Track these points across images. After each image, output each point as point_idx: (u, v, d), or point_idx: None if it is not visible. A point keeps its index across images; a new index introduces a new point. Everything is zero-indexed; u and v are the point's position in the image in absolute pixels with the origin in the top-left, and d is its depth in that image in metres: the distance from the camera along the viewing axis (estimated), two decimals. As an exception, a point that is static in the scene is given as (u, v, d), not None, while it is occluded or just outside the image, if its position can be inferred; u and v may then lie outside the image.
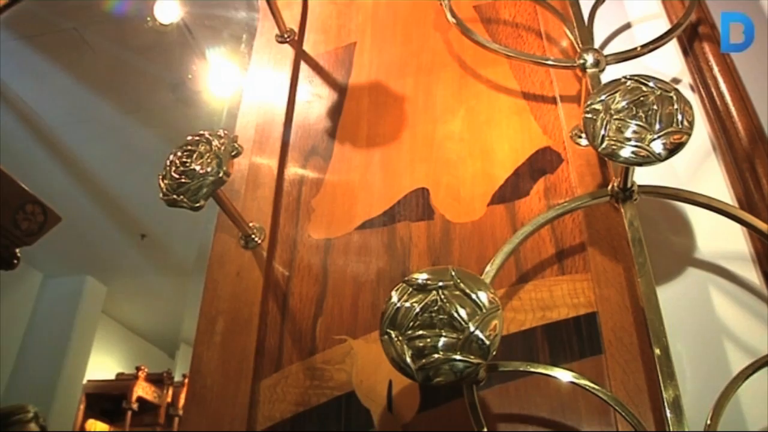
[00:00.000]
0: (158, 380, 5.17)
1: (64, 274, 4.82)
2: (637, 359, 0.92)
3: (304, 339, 1.05)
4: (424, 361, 0.65)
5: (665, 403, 0.77)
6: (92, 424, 5.03)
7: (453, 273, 0.69)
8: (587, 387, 0.78)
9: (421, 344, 0.65)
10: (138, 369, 5.02)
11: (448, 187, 1.13)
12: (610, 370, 0.91)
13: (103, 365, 5.17)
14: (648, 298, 0.87)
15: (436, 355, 0.64)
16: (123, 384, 5.00)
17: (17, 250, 2.30)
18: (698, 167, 1.16)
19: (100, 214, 4.04)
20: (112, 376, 5.17)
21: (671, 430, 0.75)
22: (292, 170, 1.23)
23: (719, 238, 1.08)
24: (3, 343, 4.56)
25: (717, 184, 1.13)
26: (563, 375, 0.78)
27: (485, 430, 0.76)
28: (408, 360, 0.66)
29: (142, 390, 4.98)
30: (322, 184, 1.19)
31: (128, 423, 4.87)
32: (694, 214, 1.10)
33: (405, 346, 0.66)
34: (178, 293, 5.11)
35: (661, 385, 0.79)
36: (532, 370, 0.80)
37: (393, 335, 0.67)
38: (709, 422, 0.77)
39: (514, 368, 0.81)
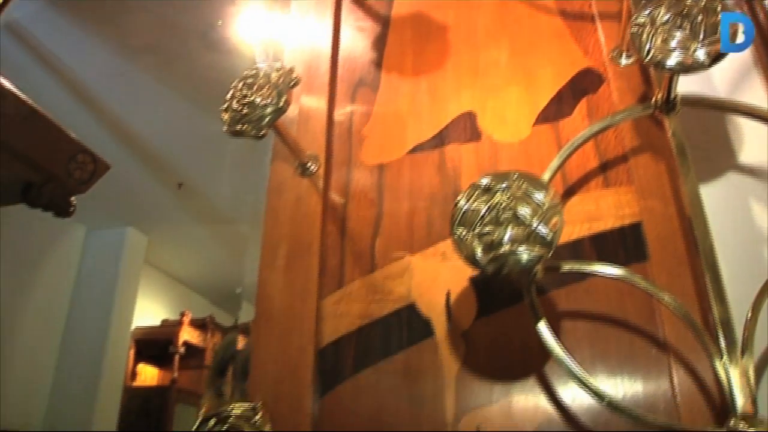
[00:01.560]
0: (202, 325, 5.36)
1: (107, 227, 4.97)
2: (682, 264, 0.97)
3: (364, 258, 1.12)
4: (492, 254, 0.71)
5: (712, 303, 0.83)
6: (143, 368, 5.26)
7: (516, 176, 0.74)
8: (639, 284, 0.84)
9: (489, 239, 0.71)
10: (182, 315, 5.21)
11: (494, 110, 1.18)
12: (656, 276, 0.96)
13: (148, 313, 5.37)
14: (694, 206, 0.92)
15: (503, 248, 0.70)
16: (169, 330, 5.20)
17: (72, 199, 2.40)
18: (739, 82, 1.19)
19: (138, 166, 4.13)
20: (158, 323, 5.38)
21: (717, 326, 0.80)
22: (342, 102, 1.28)
23: (760, 149, 1.12)
24: (54, 298, 4.75)
25: (758, 100, 1.15)
26: (616, 271, 0.84)
27: (543, 324, 0.82)
28: (479, 254, 0.72)
29: (188, 334, 5.18)
30: (371, 113, 1.25)
31: (176, 366, 5.07)
32: (735, 127, 1.13)
33: (475, 242, 0.72)
34: (216, 241, 5.24)
35: (709, 286, 0.85)
36: (589, 268, 0.86)
37: (463, 233, 0.73)
38: (749, 316, 0.83)
39: (571, 267, 0.86)
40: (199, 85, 3.37)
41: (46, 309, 4.69)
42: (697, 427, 0.81)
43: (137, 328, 5.09)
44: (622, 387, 0.89)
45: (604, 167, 1.09)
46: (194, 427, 0.85)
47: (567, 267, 0.86)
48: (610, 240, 1.03)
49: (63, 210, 2.38)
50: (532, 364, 0.96)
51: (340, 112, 1.27)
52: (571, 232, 1.03)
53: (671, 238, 1.00)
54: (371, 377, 1.02)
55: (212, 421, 0.84)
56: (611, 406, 0.80)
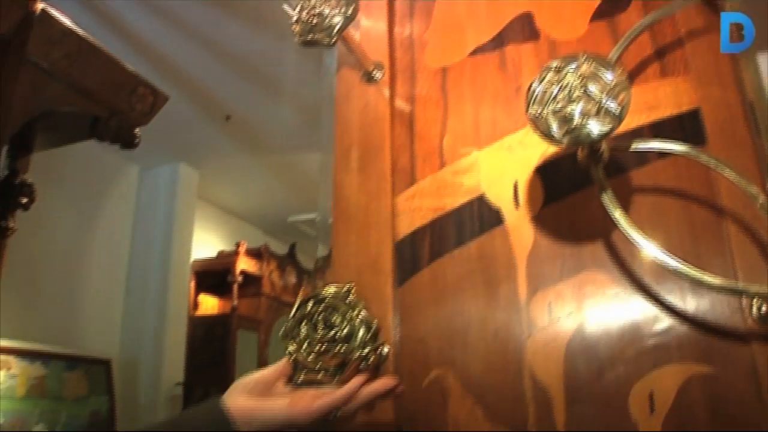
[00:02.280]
0: (257, 254, 5.54)
1: (159, 164, 5.11)
2: (742, 147, 1.02)
3: (433, 156, 1.19)
4: (566, 128, 0.77)
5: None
6: (204, 298, 5.51)
7: (584, 56, 0.79)
8: (701, 158, 0.89)
9: (562, 115, 0.78)
10: (237, 245, 5.39)
11: (550, 9, 1.21)
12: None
13: (205, 245, 5.57)
14: (755, 91, 0.96)
15: (575, 122, 0.76)
16: (226, 260, 5.39)
17: (137, 130, 2.51)
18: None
19: (184, 101, 4.20)
20: (214, 255, 5.58)
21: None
22: (402, 9, 1.32)
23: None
24: (117, 235, 4.96)
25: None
26: (680, 147, 0.89)
27: (608, 194, 0.89)
28: (554, 129, 0.78)
29: (244, 264, 5.37)
30: (431, 19, 1.29)
31: (235, 294, 5.29)
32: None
33: (550, 118, 0.78)
34: (266, 171, 5.36)
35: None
36: (652, 145, 0.92)
37: (538, 111, 0.79)
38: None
39: (636, 147, 0.92)
40: (245, 11, 3.40)
41: (110, 246, 4.91)
42: (753, 288, 0.87)
43: (196, 261, 5.30)
44: (682, 253, 0.95)
45: (661, 57, 1.12)
46: (293, 310, 0.94)
47: (633, 147, 0.92)
48: (668, 126, 1.07)
49: (129, 142, 2.50)
50: (597, 241, 1.03)
51: (401, 20, 1.32)
52: (630, 122, 1.07)
53: (731, 123, 1.04)
54: (447, 264, 1.11)
55: (310, 303, 0.93)
56: (676, 270, 0.86)
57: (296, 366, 0.90)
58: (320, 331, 0.89)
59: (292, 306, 0.94)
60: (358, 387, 0.89)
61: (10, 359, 4.02)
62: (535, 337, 1.03)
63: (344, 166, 1.23)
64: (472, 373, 1.04)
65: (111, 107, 2.42)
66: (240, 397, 0.89)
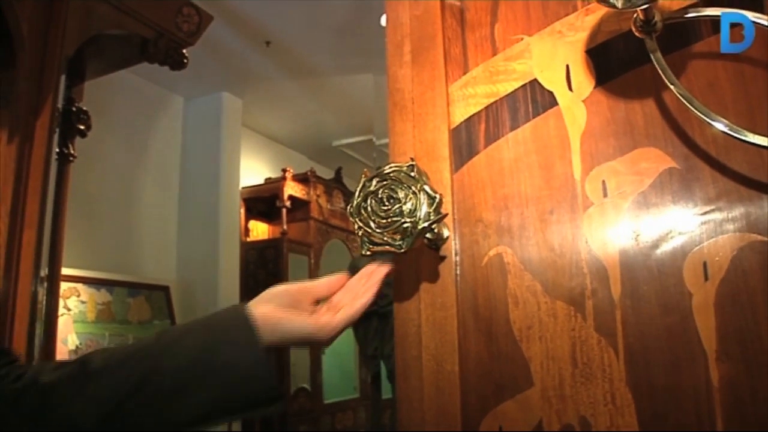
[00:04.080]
0: (304, 179, 5.65)
1: (202, 94, 5.19)
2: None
3: (484, 44, 1.20)
4: (624, -12, 0.78)
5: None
6: (254, 224, 5.67)
7: None
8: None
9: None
10: (284, 171, 5.50)
11: None
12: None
13: (252, 173, 5.70)
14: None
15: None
16: (273, 186, 5.52)
17: (185, 51, 2.56)
18: None
19: (224, 29, 4.22)
20: (262, 181, 5.71)
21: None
22: None
23: None
24: (166, 165, 5.10)
25: None
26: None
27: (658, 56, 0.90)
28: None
29: (291, 189, 5.49)
30: None
31: (284, 219, 5.43)
32: None
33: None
34: (308, 96, 5.39)
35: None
36: (709, 12, 0.92)
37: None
38: None
39: (689, 15, 0.92)
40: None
41: (160, 176, 5.06)
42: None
43: (244, 188, 5.43)
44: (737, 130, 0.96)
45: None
46: (359, 187, 0.99)
47: (687, 15, 0.92)
48: None
49: (178, 62, 2.56)
50: (650, 118, 1.05)
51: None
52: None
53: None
54: (502, 147, 1.14)
55: (374, 180, 0.98)
56: (737, 138, 0.88)
57: (363, 241, 0.96)
58: (385, 205, 0.94)
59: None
60: (372, 297, 0.93)
61: (79, 286, 4.24)
62: (591, 213, 1.06)
63: (397, 59, 1.25)
64: (529, 250, 1.09)
65: (158, 28, 2.48)
66: (267, 306, 0.90)
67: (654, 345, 1.01)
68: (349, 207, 0.97)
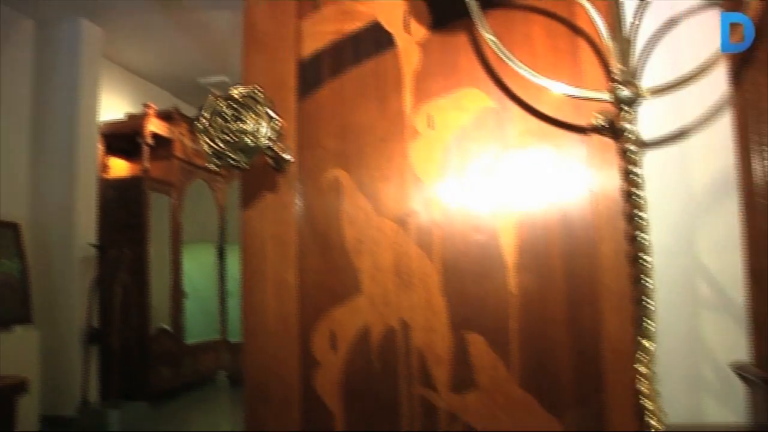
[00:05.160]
0: (168, 116, 5.49)
1: (57, 19, 4.86)
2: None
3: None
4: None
5: None
6: (114, 161, 5.46)
7: None
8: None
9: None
10: (146, 107, 5.31)
11: None
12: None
13: (112, 107, 5.45)
14: None
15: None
16: (135, 122, 5.32)
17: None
18: None
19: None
20: (122, 116, 5.48)
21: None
22: None
23: None
24: (14, 97, 4.76)
25: None
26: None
27: (482, 21, 1.04)
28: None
29: (154, 126, 5.32)
30: None
31: (146, 157, 5.27)
32: None
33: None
34: (175, 31, 5.19)
35: None
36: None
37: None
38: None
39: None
40: None
41: (8, 106, 4.73)
42: (592, 94, 1.06)
43: (103, 123, 5.20)
44: (546, 73, 1.13)
45: None
46: (206, 108, 1.06)
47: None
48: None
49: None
50: (474, 61, 1.20)
51: None
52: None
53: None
54: (345, 81, 1.25)
55: (221, 100, 1.05)
56: (540, 84, 1.04)
57: (210, 157, 1.04)
58: (230, 125, 1.03)
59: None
60: None
61: None
62: (418, 143, 1.20)
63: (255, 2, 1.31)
64: (363, 174, 1.22)
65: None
66: None
67: (465, 259, 1.18)
68: (195, 124, 1.04)
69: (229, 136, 1.02)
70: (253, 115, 1.03)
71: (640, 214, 0.96)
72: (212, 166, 1.04)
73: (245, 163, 1.03)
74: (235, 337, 6.27)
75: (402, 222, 1.19)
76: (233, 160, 1.02)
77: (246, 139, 1.02)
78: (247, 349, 1.23)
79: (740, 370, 1.22)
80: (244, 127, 1.02)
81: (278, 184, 1.22)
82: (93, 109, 5.06)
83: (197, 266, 6.35)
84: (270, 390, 1.20)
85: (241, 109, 1.04)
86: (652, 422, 0.96)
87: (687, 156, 1.31)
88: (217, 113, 1.04)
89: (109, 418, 4.51)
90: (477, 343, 1.14)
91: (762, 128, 1.26)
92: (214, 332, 6.45)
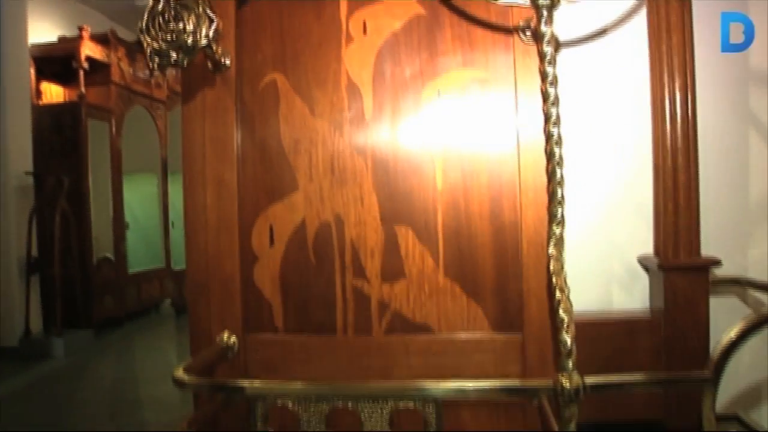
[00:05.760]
0: (104, 40, 5.29)
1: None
2: None
3: None
4: None
5: None
6: (47, 86, 5.28)
7: None
8: None
9: None
10: (80, 30, 5.10)
11: None
12: None
13: (42, 31, 5.21)
14: None
15: None
16: (68, 46, 5.11)
17: None
18: None
19: None
20: (54, 40, 5.26)
21: None
22: None
23: None
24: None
25: None
26: None
27: None
28: None
29: (90, 50, 5.13)
30: None
31: (81, 82, 5.10)
32: None
33: None
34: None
35: None
36: None
37: None
38: None
39: None
40: None
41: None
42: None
43: (34, 46, 4.99)
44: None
45: None
46: (147, 9, 1.08)
47: None
48: None
49: None
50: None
51: None
52: None
53: None
54: None
55: (161, 3, 1.07)
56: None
57: (151, 56, 1.07)
58: (170, 24, 1.05)
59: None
60: None
61: None
62: (352, 47, 1.25)
63: None
64: (300, 77, 1.26)
65: None
66: None
67: (396, 156, 1.25)
68: (138, 24, 1.07)
69: (169, 35, 1.05)
70: (193, 16, 1.06)
71: (553, 110, 1.04)
72: (153, 65, 1.07)
73: (184, 62, 1.06)
74: (179, 265, 6.27)
75: (336, 122, 1.25)
76: (172, 58, 1.06)
77: (185, 38, 1.05)
78: (189, 247, 1.29)
79: (643, 261, 1.34)
80: (184, 26, 1.05)
81: (218, 89, 1.25)
82: (20, 30, 4.84)
83: (138, 197, 6.28)
84: (211, 284, 1.27)
85: (181, 10, 1.07)
86: (562, 303, 1.06)
87: (603, 60, 1.38)
88: (157, 13, 1.07)
89: (52, 347, 4.51)
90: (406, 236, 1.23)
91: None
92: (157, 262, 6.43)
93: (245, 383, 1.15)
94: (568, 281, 1.01)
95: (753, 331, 1.03)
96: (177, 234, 6.36)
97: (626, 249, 1.39)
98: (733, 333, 1.02)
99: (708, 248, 1.30)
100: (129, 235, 5.96)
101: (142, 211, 6.42)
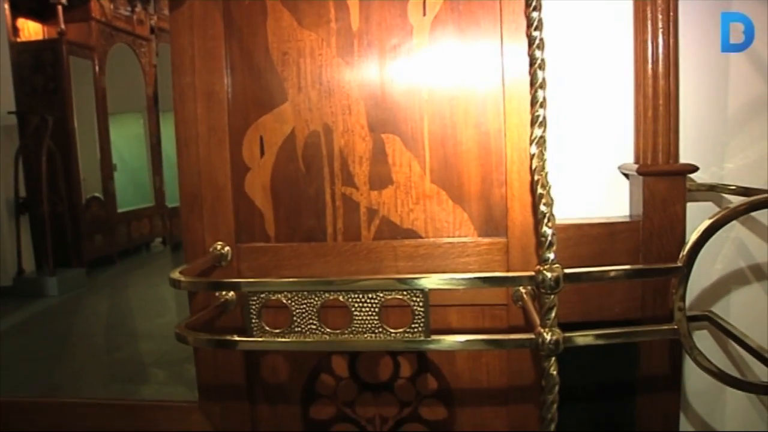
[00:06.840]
0: (84, -26, 5.18)
1: None
2: None
3: None
4: None
5: None
6: (23, 23, 5.17)
7: None
8: None
9: None
10: (57, -37, 4.97)
11: None
12: None
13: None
14: None
15: None
16: (45, -20, 4.99)
17: None
18: None
19: None
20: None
21: None
22: None
23: None
24: None
25: None
26: None
27: None
28: None
29: (69, -16, 5.02)
30: None
31: (60, 18, 5.00)
32: None
33: None
34: None
35: None
36: None
37: None
38: None
39: None
40: None
41: None
42: None
43: (9, -20, 4.87)
44: None
45: None
46: None
47: None
48: None
49: None
50: None
51: None
52: None
53: None
54: None
55: None
56: None
57: None
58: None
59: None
60: None
61: None
62: (337, -43, 1.26)
63: None
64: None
65: None
66: None
67: (383, 66, 1.27)
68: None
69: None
70: None
71: (534, 14, 1.06)
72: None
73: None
74: (173, 203, 6.29)
75: (324, 33, 1.26)
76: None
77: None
78: (181, 160, 1.31)
79: (623, 169, 1.38)
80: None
81: (205, 4, 1.26)
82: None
83: (125, 137, 6.25)
84: (203, 195, 1.30)
85: None
86: (543, 198, 1.10)
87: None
88: None
89: (46, 286, 4.57)
90: (393, 144, 1.26)
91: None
92: (146, 201, 6.45)
93: (240, 281, 1.20)
94: (553, 193, 1.05)
95: (722, 224, 1.08)
96: (170, 174, 6.31)
97: (609, 159, 1.42)
98: (702, 227, 1.08)
99: (686, 159, 1.34)
100: (116, 176, 5.95)
101: (129, 152, 6.40)
